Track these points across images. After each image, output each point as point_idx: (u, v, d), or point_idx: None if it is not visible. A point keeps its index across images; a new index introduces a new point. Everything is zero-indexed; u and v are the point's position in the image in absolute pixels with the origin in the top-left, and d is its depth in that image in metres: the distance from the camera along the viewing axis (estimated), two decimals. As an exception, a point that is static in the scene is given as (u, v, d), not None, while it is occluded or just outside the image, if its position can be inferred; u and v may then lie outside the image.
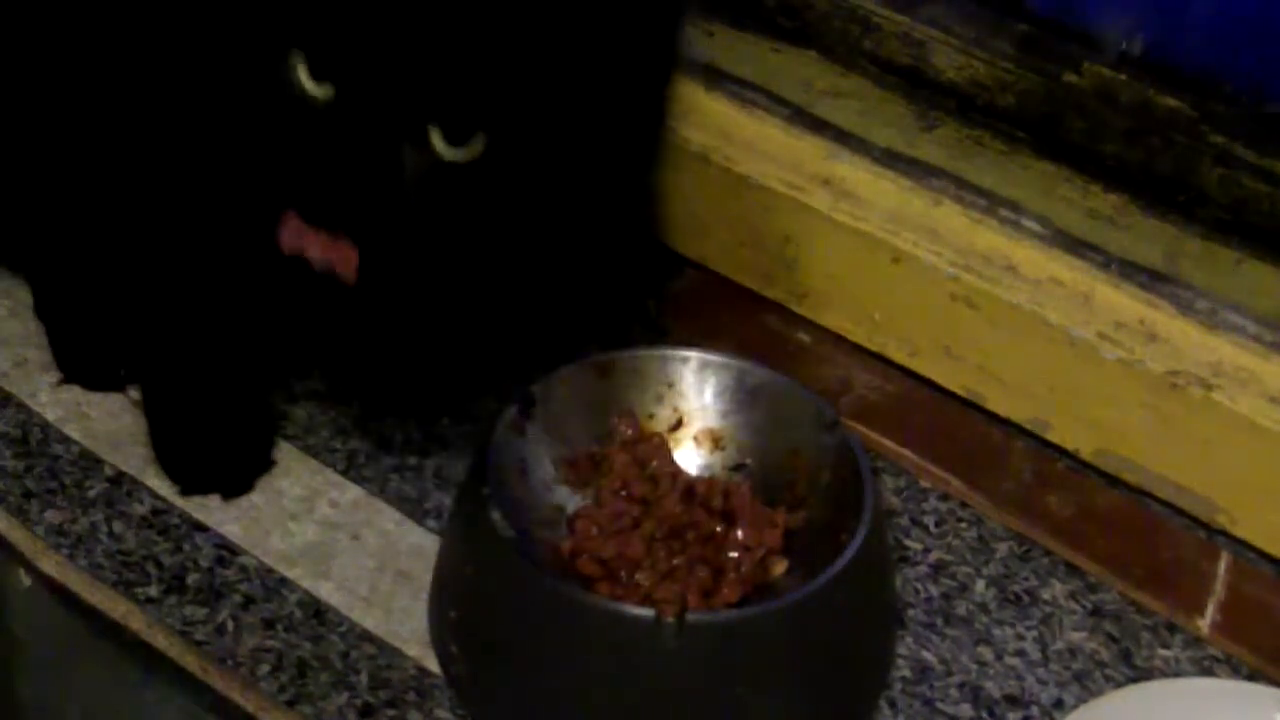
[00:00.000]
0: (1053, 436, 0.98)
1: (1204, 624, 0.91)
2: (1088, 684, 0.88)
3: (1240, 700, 0.85)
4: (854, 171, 1.01)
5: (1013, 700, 0.88)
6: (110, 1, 0.82)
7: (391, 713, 0.85)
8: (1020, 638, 0.90)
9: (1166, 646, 0.91)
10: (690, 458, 0.91)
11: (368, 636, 0.88)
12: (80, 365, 0.98)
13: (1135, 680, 0.89)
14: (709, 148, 1.02)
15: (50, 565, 0.90)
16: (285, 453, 0.95)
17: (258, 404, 0.96)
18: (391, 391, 0.98)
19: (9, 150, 0.92)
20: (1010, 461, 0.98)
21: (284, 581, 0.90)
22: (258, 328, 0.91)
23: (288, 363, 0.97)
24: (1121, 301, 0.96)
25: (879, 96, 1.05)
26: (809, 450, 0.88)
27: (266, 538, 0.92)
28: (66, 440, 0.95)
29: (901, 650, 0.89)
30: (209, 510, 0.93)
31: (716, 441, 0.91)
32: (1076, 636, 0.91)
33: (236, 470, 0.94)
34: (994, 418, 1.00)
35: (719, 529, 0.87)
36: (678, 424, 0.91)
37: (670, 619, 0.78)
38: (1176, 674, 0.89)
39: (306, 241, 0.75)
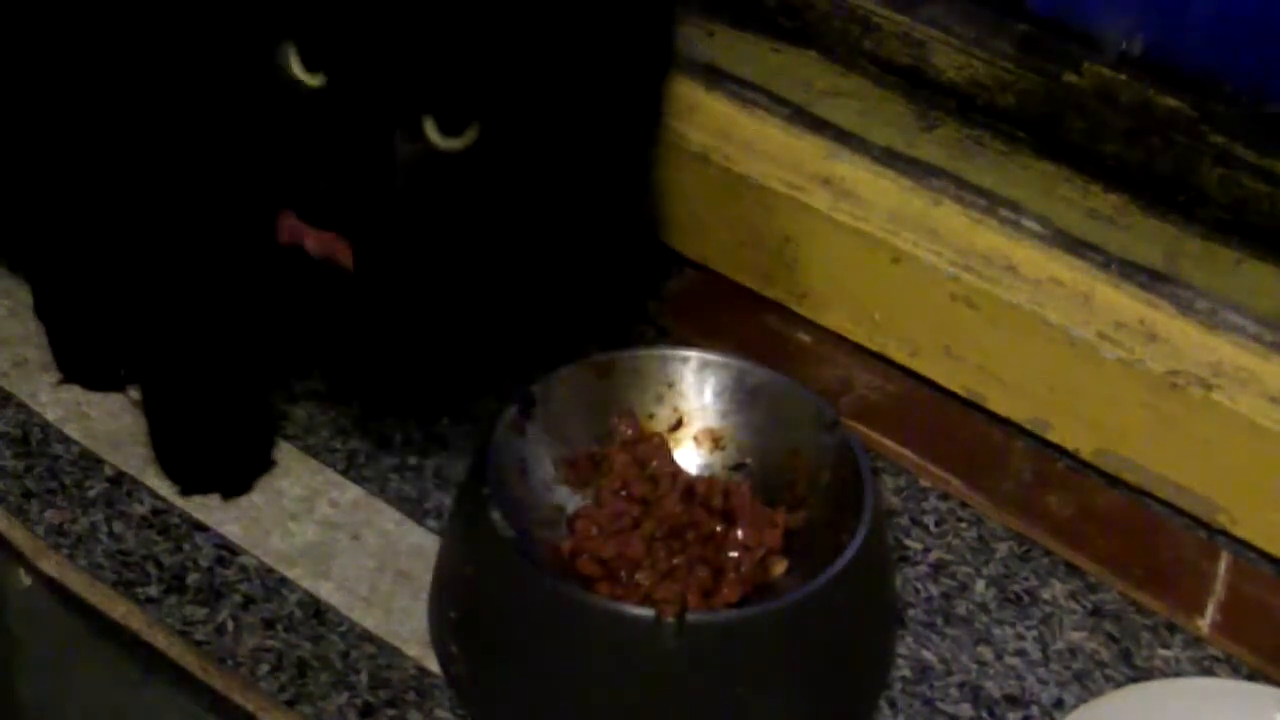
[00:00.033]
0: (1053, 436, 0.98)
1: (1204, 624, 0.91)
2: (1088, 684, 0.88)
3: (1240, 700, 0.85)
4: (854, 171, 1.01)
5: (1013, 700, 0.88)
6: None
7: (391, 713, 0.85)
8: (1020, 638, 0.90)
9: (1166, 646, 0.91)
10: (690, 458, 0.91)
11: (368, 636, 0.88)
12: (80, 365, 0.98)
13: (1135, 680, 0.89)
14: (709, 148, 1.02)
15: (50, 565, 0.90)
16: (285, 453, 0.95)
17: (258, 404, 0.96)
18: (391, 391, 0.98)
19: (7, 149, 0.92)
20: (1010, 461, 0.98)
21: (284, 581, 0.90)
22: (257, 327, 0.91)
23: (288, 363, 0.97)
24: (1121, 301, 0.96)
25: (879, 96, 1.06)
26: (809, 450, 0.88)
27: (266, 538, 0.92)
28: (66, 440, 0.95)
29: (901, 650, 0.89)
30: (209, 510, 0.93)
31: (716, 441, 0.91)
32: (1076, 636, 0.91)
33: (236, 470, 0.94)
34: (994, 418, 1.00)
35: (719, 529, 0.87)
36: (678, 424, 0.91)
37: (670, 619, 0.78)
38: (1176, 674, 0.89)
39: (304, 233, 0.75)
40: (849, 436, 0.87)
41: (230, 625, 0.88)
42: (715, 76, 1.05)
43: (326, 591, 0.89)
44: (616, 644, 0.80)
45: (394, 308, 0.82)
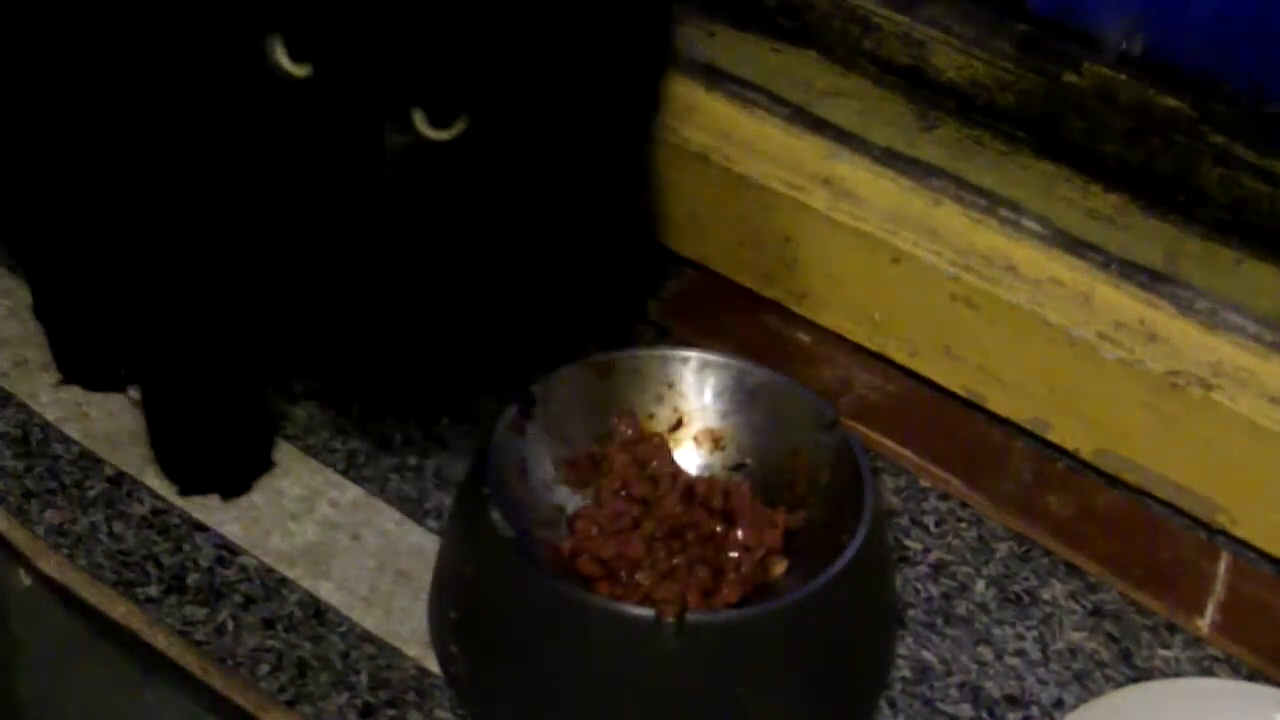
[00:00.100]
0: (1053, 436, 0.98)
1: (1204, 624, 0.91)
2: (1088, 684, 0.88)
3: (1240, 700, 0.85)
4: (854, 171, 1.01)
5: (1013, 700, 0.88)
6: None
7: (391, 713, 0.85)
8: (1020, 638, 0.90)
9: (1166, 646, 0.91)
10: (690, 458, 0.91)
11: (368, 636, 0.88)
12: (80, 365, 0.98)
13: (1135, 680, 0.89)
14: (709, 148, 1.02)
15: (50, 565, 0.90)
16: (285, 453, 0.95)
17: (257, 404, 0.96)
18: (391, 391, 0.98)
19: (5, 149, 0.92)
20: (1010, 461, 0.98)
21: (284, 581, 0.90)
22: (257, 328, 0.91)
23: (288, 363, 0.97)
24: (1121, 301, 0.96)
25: (879, 96, 1.06)
26: (809, 450, 0.88)
27: (266, 538, 0.92)
28: (66, 440, 0.95)
29: (901, 650, 0.89)
30: (209, 510, 0.93)
31: (716, 441, 0.91)
32: (1076, 636, 0.91)
33: (236, 470, 0.94)
34: (994, 418, 1.00)
35: (719, 529, 0.87)
36: (678, 424, 0.91)
37: (670, 619, 0.78)
38: (1176, 674, 0.89)
39: None
40: (849, 436, 0.87)
41: (230, 625, 0.88)
42: (715, 76, 1.05)
43: (326, 591, 0.89)
44: (616, 644, 0.80)
45: (390, 304, 0.82)
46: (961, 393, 1.00)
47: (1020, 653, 0.90)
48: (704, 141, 1.02)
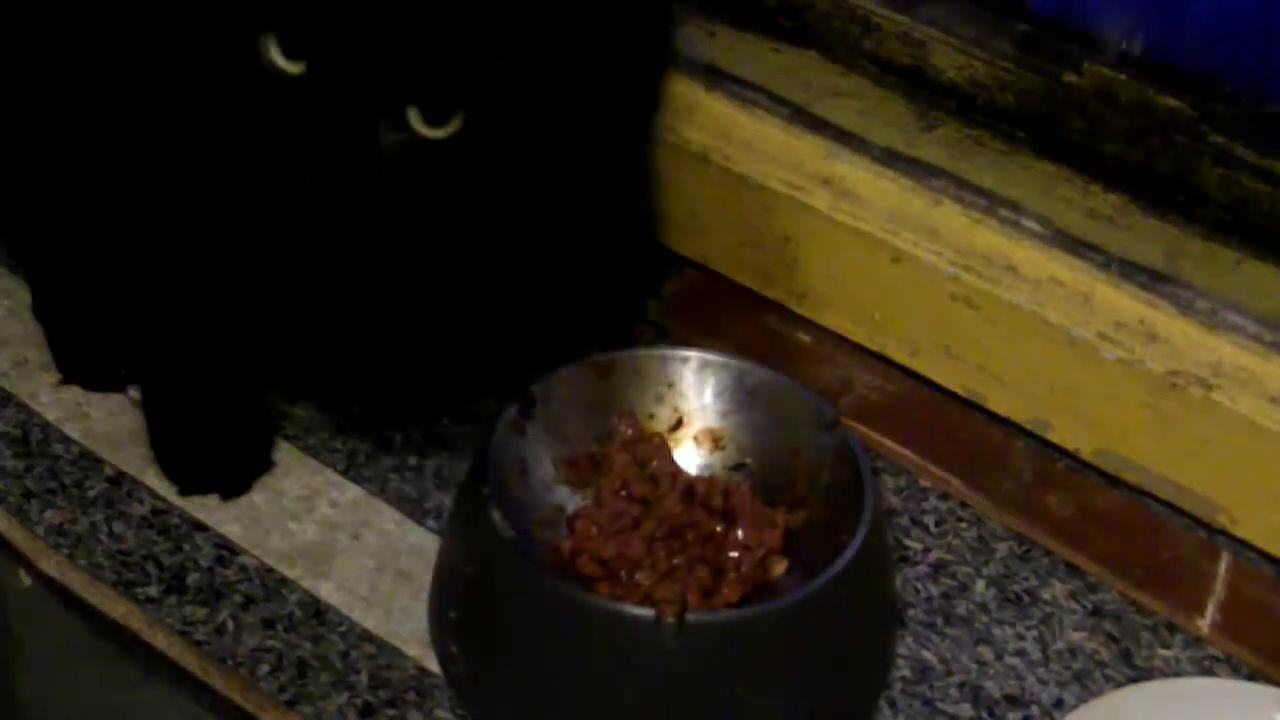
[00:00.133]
0: (1053, 436, 0.98)
1: (1204, 624, 0.91)
2: (1088, 684, 0.88)
3: (1240, 700, 0.85)
4: (854, 171, 1.01)
5: (1013, 700, 0.88)
6: None
7: (391, 713, 0.85)
8: (1020, 638, 0.90)
9: (1166, 646, 0.91)
10: (690, 458, 0.91)
11: (368, 636, 0.88)
12: (80, 365, 0.98)
13: (1135, 680, 0.89)
14: (709, 148, 1.02)
15: (50, 565, 0.90)
16: (285, 453, 0.95)
17: (257, 404, 0.96)
18: (391, 392, 0.98)
19: (4, 149, 0.92)
20: (1010, 461, 0.98)
21: (284, 581, 0.90)
22: (256, 328, 0.91)
23: (287, 363, 0.97)
24: (1121, 301, 0.96)
25: (879, 96, 1.06)
26: (809, 450, 0.88)
27: (266, 538, 0.92)
28: (66, 440, 0.95)
29: (901, 650, 0.89)
30: (209, 510, 0.93)
31: (716, 441, 0.91)
32: (1076, 636, 0.91)
33: (236, 470, 0.94)
34: (994, 418, 1.00)
35: (719, 529, 0.87)
36: (678, 424, 0.91)
37: (670, 619, 0.78)
38: (1176, 674, 0.89)
39: None
40: (849, 436, 0.87)
41: (230, 625, 0.88)
42: (715, 76, 1.05)
43: (326, 591, 0.89)
44: (616, 644, 0.80)
45: (388, 303, 0.82)
46: (961, 393, 1.00)
47: (1020, 653, 0.90)
48: (704, 141, 1.02)
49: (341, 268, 0.78)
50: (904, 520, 0.95)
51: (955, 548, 0.94)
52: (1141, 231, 0.99)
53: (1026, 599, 0.92)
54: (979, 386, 0.99)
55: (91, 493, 0.93)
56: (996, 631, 0.90)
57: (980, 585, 0.93)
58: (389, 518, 0.93)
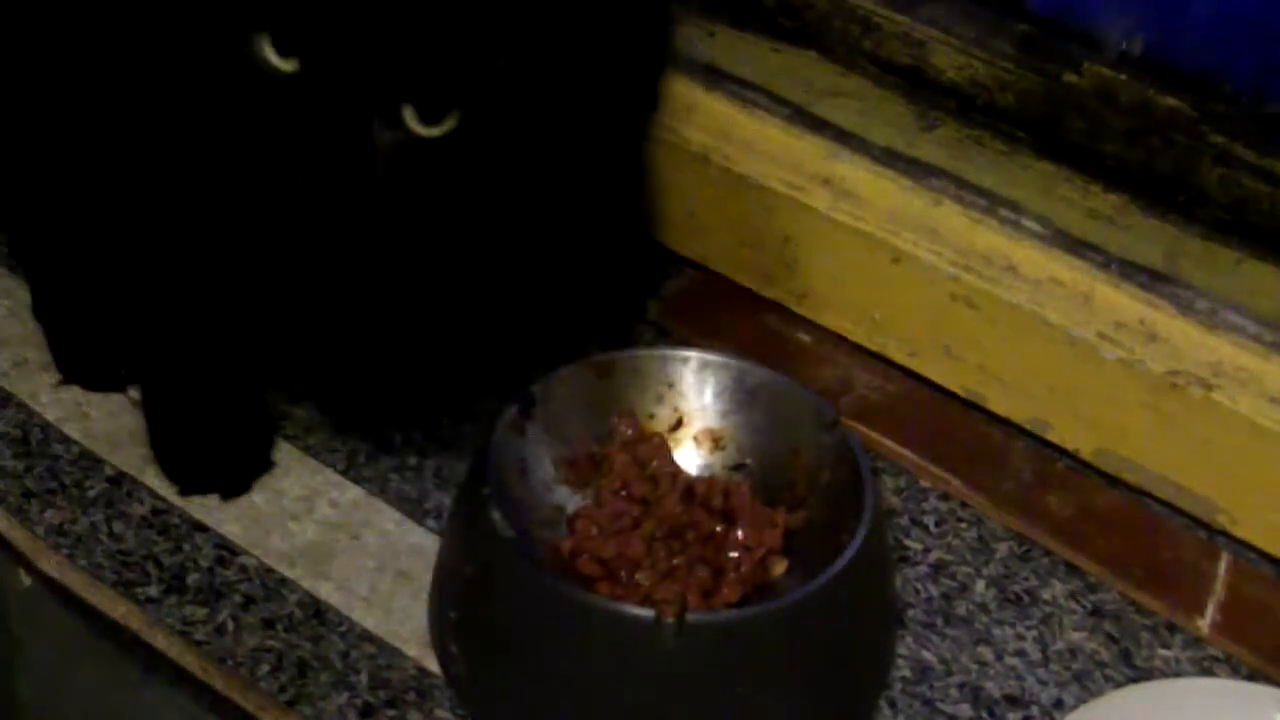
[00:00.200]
0: (1053, 436, 0.98)
1: (1204, 624, 0.91)
2: (1088, 684, 0.88)
3: (1240, 700, 0.85)
4: (854, 171, 1.01)
5: (1013, 700, 0.88)
6: None
7: (391, 713, 0.85)
8: (1020, 638, 0.90)
9: (1166, 646, 0.91)
10: (690, 458, 0.91)
11: (368, 636, 0.88)
12: (80, 365, 0.98)
13: (1135, 680, 0.89)
14: (709, 148, 1.02)
15: (50, 565, 0.90)
16: (285, 453, 0.95)
17: (257, 404, 0.96)
18: (391, 393, 0.98)
19: (4, 149, 0.92)
20: (1010, 461, 0.98)
21: (284, 581, 0.90)
22: (256, 328, 0.91)
23: (287, 365, 0.97)
24: (1121, 301, 0.96)
25: (879, 96, 1.06)
26: (809, 450, 0.88)
27: (266, 538, 0.92)
28: (66, 440, 0.95)
29: (901, 650, 0.89)
30: (209, 510, 0.93)
31: (716, 441, 0.91)
32: (1076, 636, 0.91)
33: (236, 470, 0.94)
34: (994, 418, 1.00)
35: (719, 529, 0.87)
36: (678, 424, 0.91)
37: (670, 619, 0.78)
38: (1176, 674, 0.89)
39: None
40: (849, 436, 0.87)
41: (230, 625, 0.88)
42: (715, 76, 1.05)
43: (326, 591, 0.89)
44: (616, 644, 0.80)
45: (387, 303, 0.82)
46: (961, 393, 1.00)
47: (1020, 653, 0.90)
48: (704, 141, 1.02)
49: (339, 267, 0.78)
50: (904, 520, 0.95)
51: (955, 548, 0.94)
52: (1141, 231, 0.99)
53: (1026, 599, 0.92)
54: (979, 386, 0.99)
55: (91, 493, 0.93)
56: (996, 631, 0.90)
57: (980, 585, 0.93)
58: (389, 518, 0.93)
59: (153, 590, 0.89)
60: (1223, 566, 0.94)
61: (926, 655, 0.89)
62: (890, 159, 1.02)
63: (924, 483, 0.97)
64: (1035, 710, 0.87)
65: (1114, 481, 0.97)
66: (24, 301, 1.01)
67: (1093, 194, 1.01)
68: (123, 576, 0.89)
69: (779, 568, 0.86)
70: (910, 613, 0.91)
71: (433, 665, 0.87)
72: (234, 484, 0.93)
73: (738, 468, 0.91)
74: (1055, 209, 1.00)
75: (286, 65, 0.72)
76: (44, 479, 0.93)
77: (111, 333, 0.97)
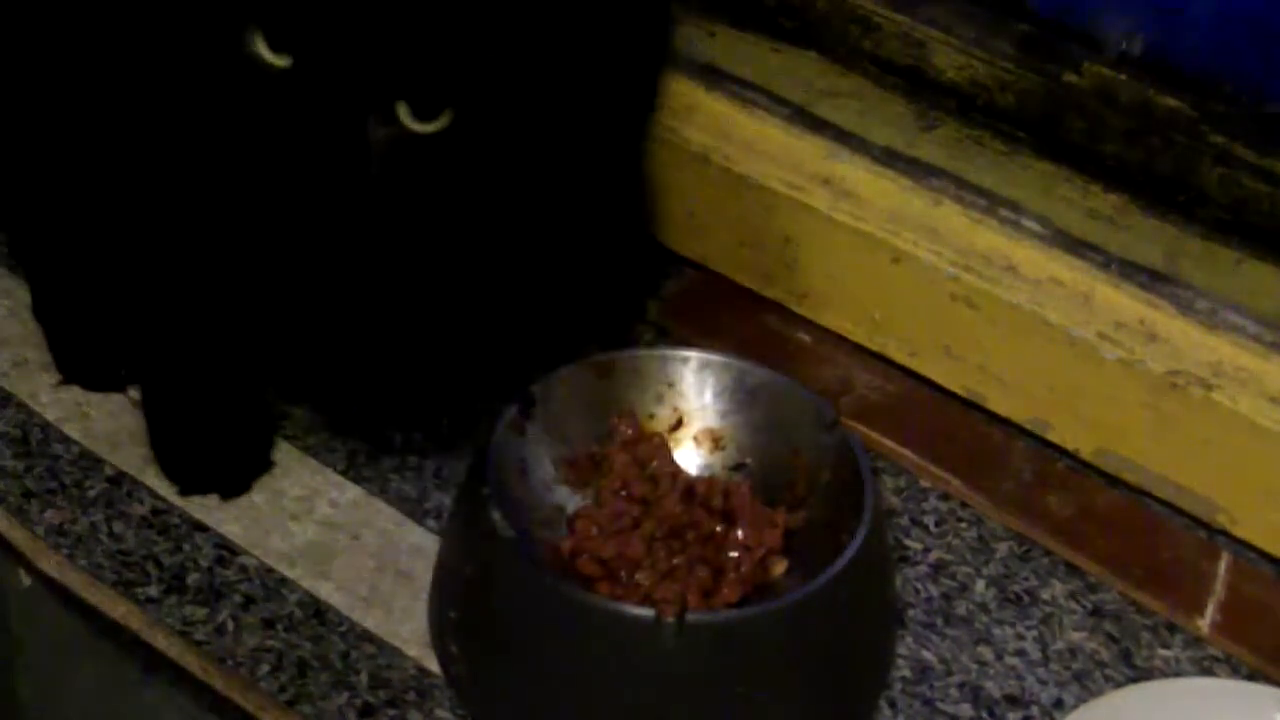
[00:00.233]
0: (1053, 436, 0.98)
1: (1204, 624, 0.91)
2: (1088, 684, 0.88)
3: (1240, 700, 0.85)
4: (854, 171, 1.01)
5: (1013, 700, 0.88)
6: None
7: (391, 713, 0.85)
8: (1020, 638, 0.90)
9: (1166, 646, 0.91)
10: (690, 458, 0.91)
11: (368, 636, 0.88)
12: (80, 365, 0.98)
13: (1135, 680, 0.89)
14: (709, 148, 1.02)
15: (50, 565, 0.90)
16: (285, 453, 0.95)
17: (257, 404, 0.96)
18: (391, 393, 0.97)
19: (3, 149, 0.92)
20: (1010, 461, 0.98)
21: (284, 581, 0.90)
22: (256, 328, 0.91)
23: (286, 366, 0.97)
24: (1121, 301, 0.96)
25: (879, 96, 1.06)
26: (809, 450, 0.88)
27: (266, 538, 0.92)
28: (66, 440, 0.95)
29: (901, 650, 0.89)
30: (209, 510, 0.93)
31: (716, 441, 0.91)
32: (1076, 636, 0.91)
33: (235, 470, 0.94)
34: (994, 418, 1.00)
35: (719, 529, 0.87)
36: (678, 424, 0.91)
37: (670, 619, 0.78)
38: (1176, 674, 0.89)
39: None
40: (849, 436, 0.87)
41: (230, 625, 0.88)
42: (715, 76, 1.05)
43: (326, 591, 0.89)
44: (616, 644, 0.80)
45: (385, 303, 0.81)
46: (961, 393, 1.00)
47: (1020, 653, 0.90)
48: (704, 141, 1.02)
49: (336, 265, 0.78)
50: (904, 520, 0.95)
51: (955, 548, 0.94)
52: (1141, 231, 0.99)
53: (1026, 599, 0.92)
54: (979, 386, 0.99)
55: (91, 493, 0.93)
56: (996, 631, 0.90)
57: (980, 585, 0.93)
58: (389, 518, 0.93)
59: (153, 590, 0.89)
60: (1223, 566, 0.94)
61: (926, 655, 0.89)
62: (890, 159, 1.02)
63: (924, 483, 0.97)
64: (1035, 710, 0.87)
65: (1114, 481, 0.97)
66: (24, 301, 1.01)
67: (1093, 194, 1.01)
68: (123, 576, 0.89)
69: (779, 568, 0.86)
70: (910, 613, 0.91)
71: (433, 665, 0.87)
72: (234, 484, 0.93)
73: (738, 468, 0.91)
74: (1055, 209, 1.00)
75: (280, 60, 0.72)
76: (44, 479, 0.93)
77: (111, 333, 0.97)
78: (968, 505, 0.96)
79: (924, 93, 1.05)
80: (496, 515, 0.81)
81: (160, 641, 0.88)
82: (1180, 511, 0.96)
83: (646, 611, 0.79)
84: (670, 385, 0.91)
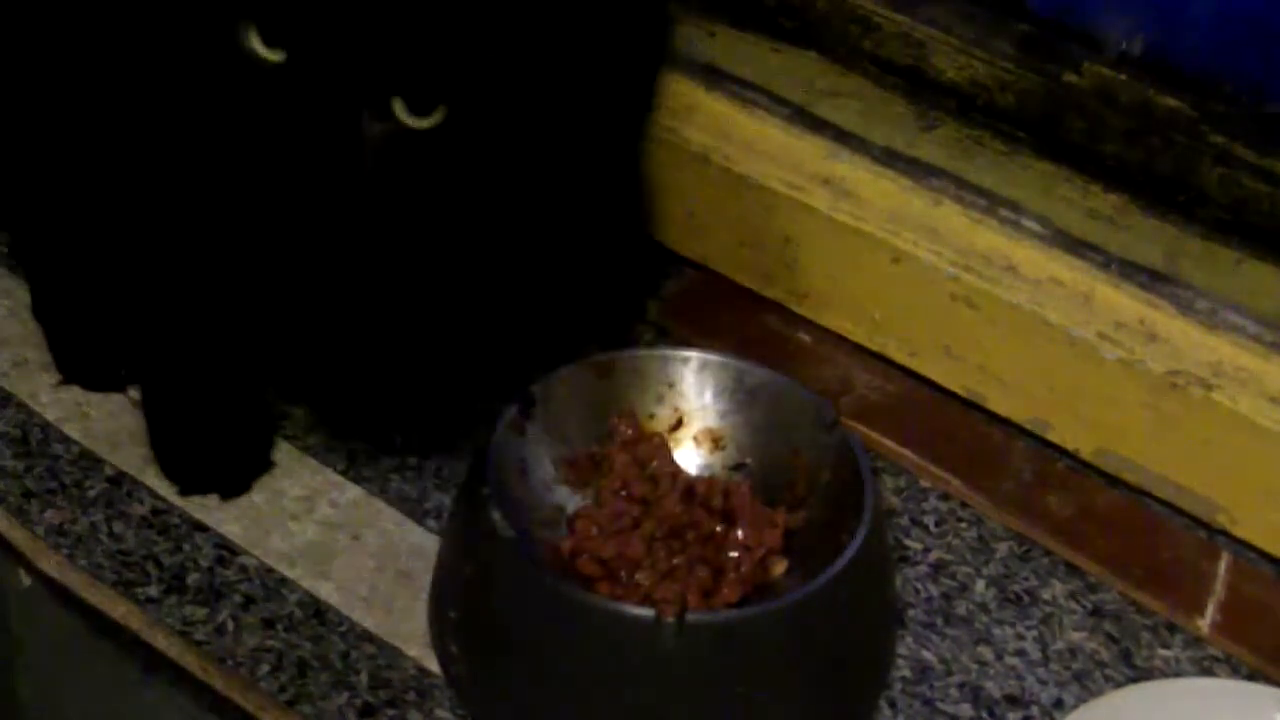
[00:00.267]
0: (1053, 436, 0.98)
1: (1204, 624, 0.91)
2: (1088, 684, 0.88)
3: (1240, 700, 0.85)
4: (854, 171, 1.01)
5: (1013, 700, 0.88)
6: None
7: (391, 713, 0.85)
8: (1020, 638, 0.90)
9: (1166, 646, 0.91)
10: (690, 458, 0.91)
11: (368, 636, 0.88)
12: (80, 365, 0.98)
13: (1135, 680, 0.89)
14: (709, 148, 1.02)
15: (50, 565, 0.90)
16: (285, 453, 0.95)
17: (257, 404, 0.96)
18: (391, 398, 0.97)
19: (3, 149, 0.92)
20: (1010, 461, 0.98)
21: (284, 581, 0.90)
22: (256, 328, 0.91)
23: (286, 367, 0.97)
24: (1121, 301, 0.96)
25: (879, 96, 1.06)
26: (809, 450, 0.88)
27: (266, 538, 0.92)
28: (66, 440, 0.95)
29: (901, 650, 0.89)
30: (209, 510, 0.93)
31: (716, 441, 0.91)
32: (1076, 636, 0.91)
33: (235, 470, 0.94)
34: (994, 418, 1.00)
35: (719, 529, 0.87)
36: (678, 424, 0.91)
37: (670, 619, 0.78)
38: (1176, 674, 0.89)
39: None
40: (849, 436, 0.87)
41: (230, 625, 0.88)
42: (715, 76, 1.05)
43: (326, 591, 0.89)
44: (616, 644, 0.80)
45: (383, 302, 0.81)
46: (961, 393, 1.00)
47: (1020, 653, 0.90)
48: (704, 141, 1.02)
49: (333, 264, 0.78)
50: (904, 520, 0.95)
51: (955, 548, 0.94)
52: (1141, 231, 0.99)
53: (1026, 599, 0.92)
54: (979, 386, 0.99)
55: (91, 493, 0.93)
56: (996, 631, 0.90)
57: (980, 585, 0.93)
58: (389, 518, 0.93)
59: (153, 590, 0.89)
60: (1223, 566, 0.94)
61: (926, 655, 0.89)
62: (890, 159, 1.02)
63: (924, 483, 0.97)
64: (1035, 710, 0.87)
65: (1114, 481, 0.97)
66: (24, 301, 1.01)
67: (1093, 194, 1.01)
68: (123, 576, 0.89)
69: (779, 568, 0.86)
70: (910, 613, 0.91)
71: (433, 665, 0.87)
72: (234, 484, 0.93)
73: (738, 468, 0.91)
74: (1055, 209, 1.00)
75: (274, 55, 0.72)
76: (44, 479, 0.93)
77: (111, 333, 0.97)
78: (968, 505, 0.96)
79: (924, 93, 1.05)
80: (496, 515, 0.81)
81: (160, 641, 0.88)
82: (1180, 511, 0.96)
83: (646, 611, 0.79)
84: (670, 385, 0.91)
